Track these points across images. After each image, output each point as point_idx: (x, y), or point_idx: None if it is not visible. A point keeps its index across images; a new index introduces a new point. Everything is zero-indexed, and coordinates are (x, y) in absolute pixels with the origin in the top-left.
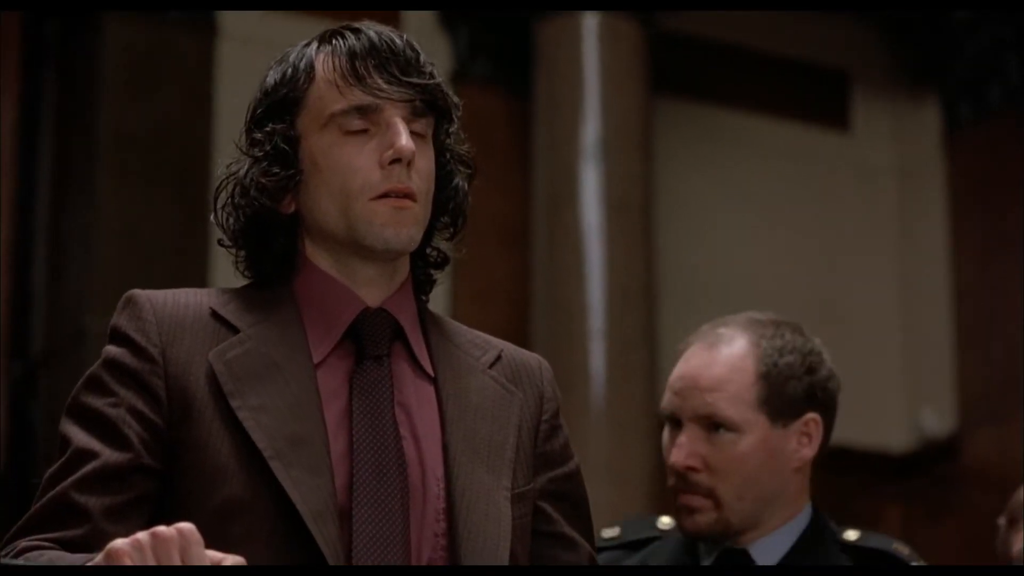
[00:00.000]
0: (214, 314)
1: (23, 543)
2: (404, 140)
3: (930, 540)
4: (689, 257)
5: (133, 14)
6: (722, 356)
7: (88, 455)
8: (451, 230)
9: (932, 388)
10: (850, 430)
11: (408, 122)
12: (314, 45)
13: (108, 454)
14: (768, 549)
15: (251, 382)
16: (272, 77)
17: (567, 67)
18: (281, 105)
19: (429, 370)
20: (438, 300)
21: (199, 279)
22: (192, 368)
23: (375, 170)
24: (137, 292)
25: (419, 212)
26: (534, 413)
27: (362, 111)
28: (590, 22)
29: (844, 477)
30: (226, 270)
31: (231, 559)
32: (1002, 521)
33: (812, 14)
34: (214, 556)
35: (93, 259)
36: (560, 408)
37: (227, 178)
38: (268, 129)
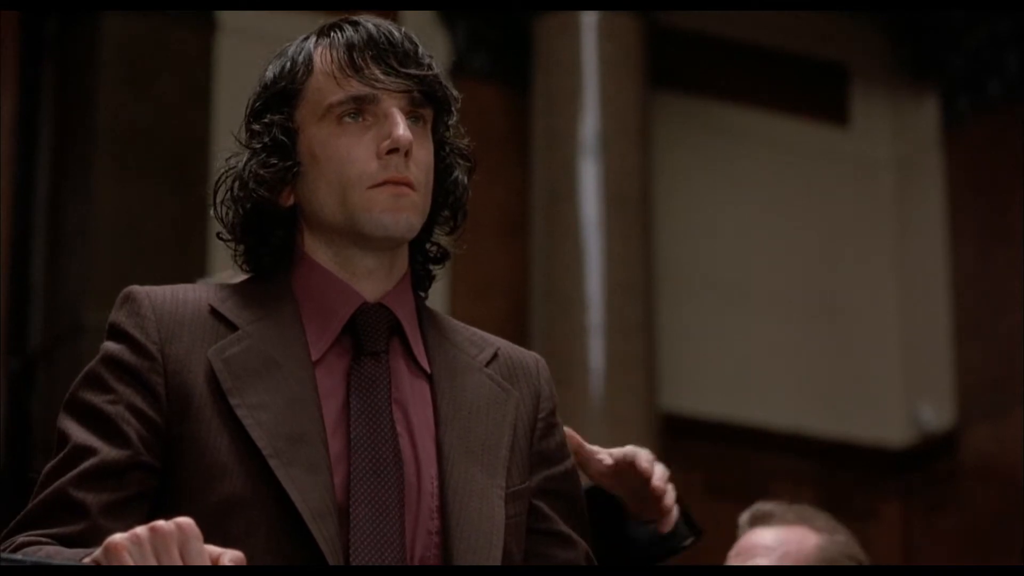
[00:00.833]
0: (213, 311)
1: (21, 538)
2: (402, 130)
3: (929, 534)
4: (688, 251)
5: (131, 10)
6: None
7: (86, 451)
8: (451, 224)
9: (930, 382)
10: (849, 425)
11: (406, 113)
12: (312, 39)
13: (106, 451)
14: None
15: (250, 380)
16: (271, 71)
17: (566, 61)
18: (279, 98)
19: (426, 367)
20: (436, 293)
21: (198, 273)
22: (191, 365)
23: (372, 160)
24: (136, 288)
25: (418, 200)
26: (530, 411)
27: (359, 101)
28: (589, 17)
29: (842, 472)
30: (225, 264)
31: (229, 554)
32: None
33: (811, 9)
34: (213, 551)
35: (91, 253)
36: (557, 407)
37: (226, 172)
38: (266, 121)
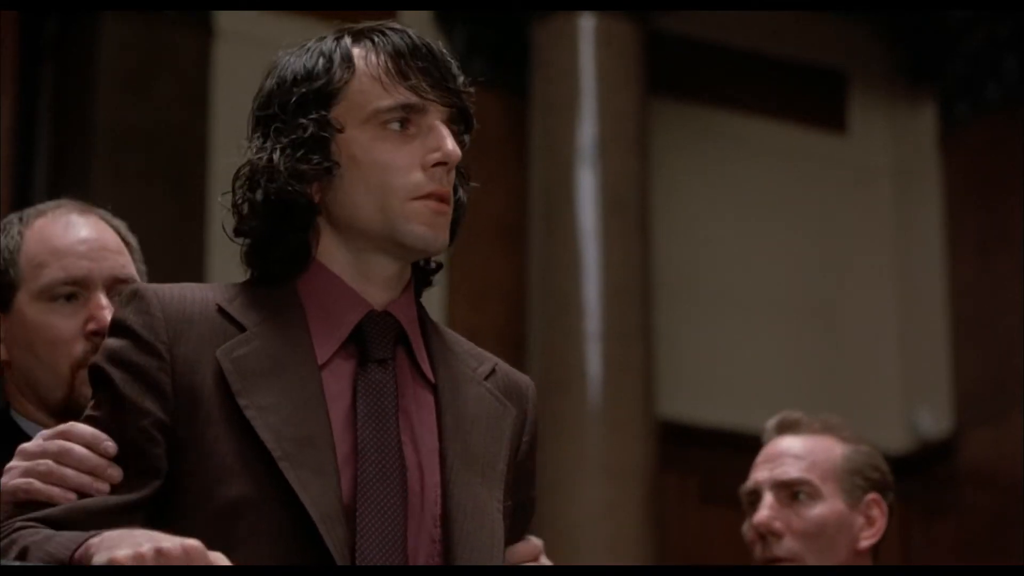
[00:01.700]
0: (220, 310)
1: (18, 522)
2: (451, 145)
3: (926, 540)
4: (685, 257)
5: (130, 12)
6: None
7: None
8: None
9: (928, 388)
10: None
11: (448, 127)
12: (347, 39)
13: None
14: None
15: (258, 381)
16: (300, 65)
17: (563, 67)
18: (317, 95)
19: (430, 376)
20: (434, 299)
21: (195, 277)
22: (199, 365)
23: (417, 171)
24: (143, 285)
25: (450, 216)
26: (519, 432)
27: (408, 110)
28: (587, 23)
29: None
30: (222, 268)
31: None
32: None
33: (808, 15)
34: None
35: None
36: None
37: (246, 165)
38: (303, 115)
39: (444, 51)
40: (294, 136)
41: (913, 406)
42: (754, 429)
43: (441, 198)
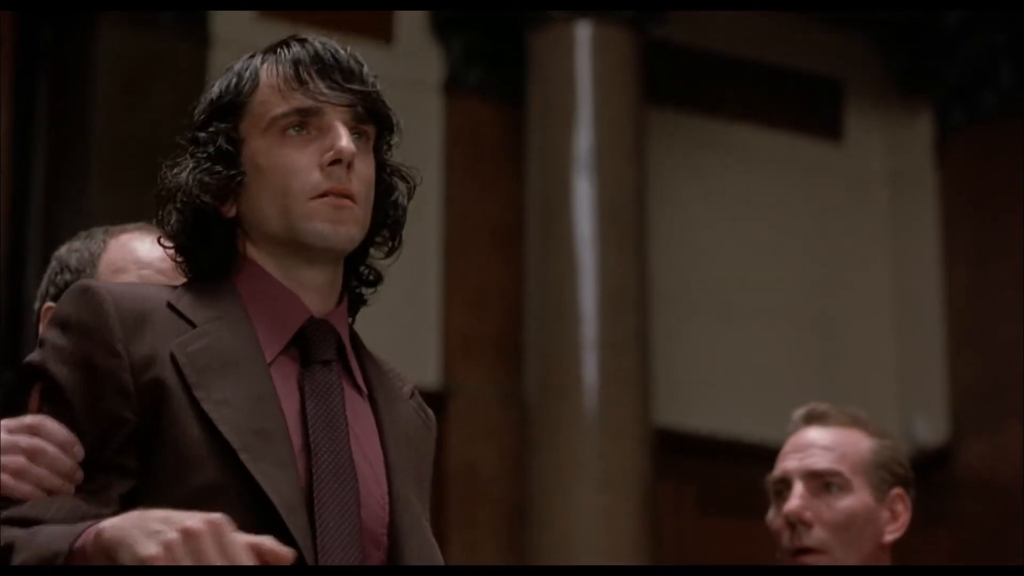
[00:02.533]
0: (171, 307)
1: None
2: (344, 141)
3: (922, 548)
4: (682, 265)
5: (126, 18)
6: None
7: None
8: (388, 246)
9: (925, 396)
10: None
11: (349, 128)
12: (259, 56)
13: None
14: None
15: (212, 375)
16: (217, 87)
17: (560, 76)
18: (225, 110)
19: (363, 388)
20: (431, 307)
21: None
22: (156, 361)
23: (315, 171)
24: (93, 283)
25: (359, 214)
26: (434, 455)
27: (303, 113)
28: (583, 31)
29: None
30: None
31: (266, 541)
32: None
33: (804, 24)
34: (249, 539)
35: None
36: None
37: (169, 180)
38: (211, 130)
39: (352, 56)
40: (203, 152)
41: (909, 414)
42: (750, 437)
43: (340, 194)
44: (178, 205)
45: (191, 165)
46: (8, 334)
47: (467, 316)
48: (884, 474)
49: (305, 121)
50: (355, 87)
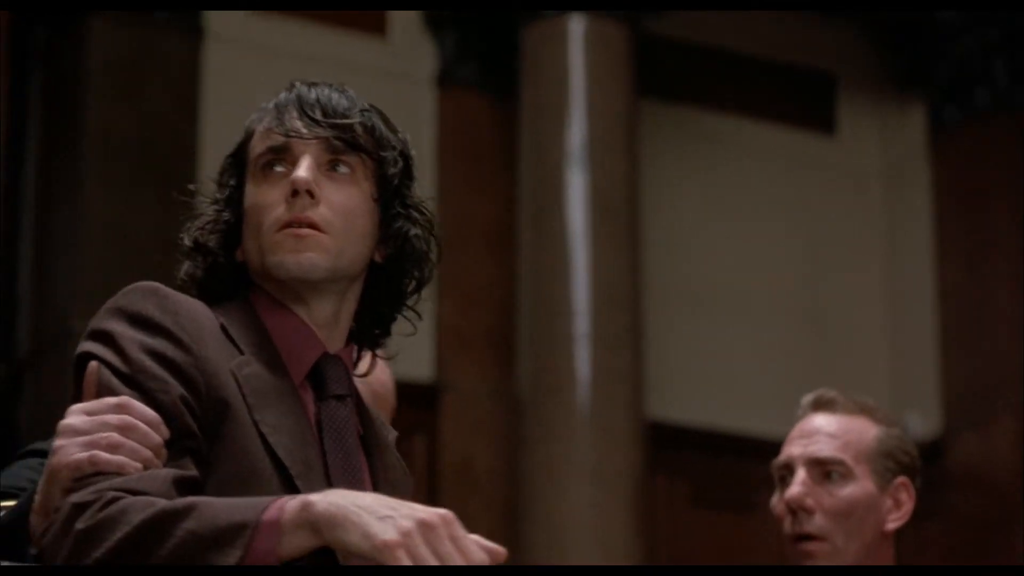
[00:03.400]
0: (223, 329)
1: (107, 492)
2: (302, 172)
3: (915, 543)
4: (675, 260)
5: (119, 16)
6: None
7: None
8: (415, 280)
9: (917, 391)
10: None
11: (327, 161)
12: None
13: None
14: None
15: (265, 402)
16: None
17: (553, 71)
18: (233, 164)
19: (361, 430)
20: (423, 303)
21: None
22: (220, 372)
23: (280, 205)
24: (157, 285)
25: (326, 241)
26: None
27: (276, 151)
28: (576, 26)
29: None
30: None
31: (492, 546)
32: None
33: (798, 18)
34: (477, 539)
35: (79, 261)
36: None
37: (191, 229)
38: (224, 177)
39: (343, 93)
40: (217, 205)
41: (901, 409)
42: (743, 432)
43: (299, 223)
44: (195, 249)
45: (208, 217)
46: (1, 330)
47: (460, 311)
48: (889, 462)
49: (278, 158)
50: (335, 121)
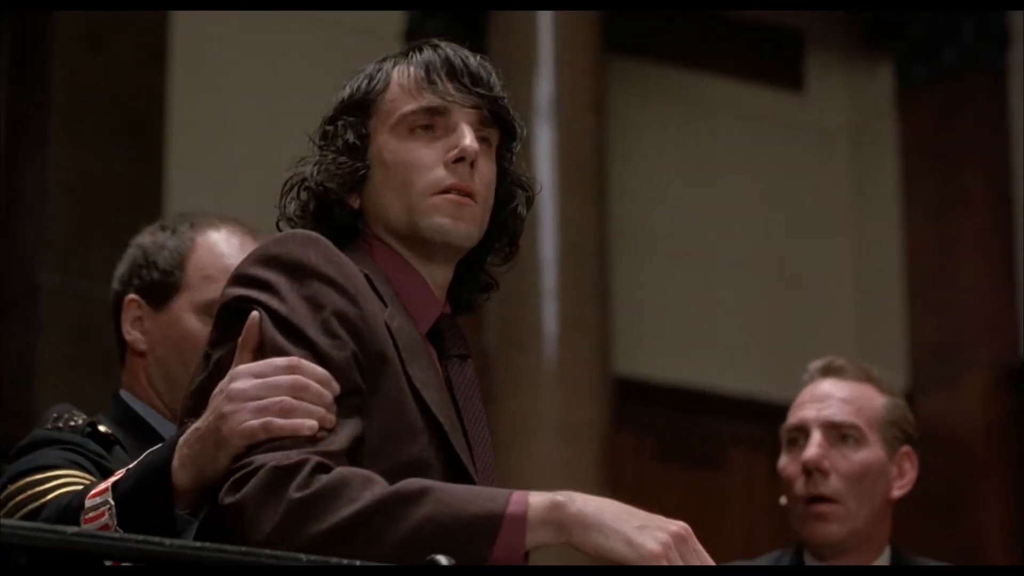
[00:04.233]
0: (368, 279)
1: (311, 457)
2: (469, 140)
3: None
4: (642, 216)
5: None
6: None
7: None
8: (505, 253)
9: (884, 348)
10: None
11: (474, 129)
12: (391, 59)
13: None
14: None
15: (412, 356)
16: (348, 89)
17: (520, 26)
18: (355, 107)
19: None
20: None
21: None
22: (378, 326)
23: (439, 168)
24: (315, 233)
25: (478, 212)
26: None
27: (431, 112)
28: None
29: None
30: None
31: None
32: None
33: None
34: (704, 555)
35: (46, 215)
36: None
37: (296, 172)
38: (341, 124)
39: (482, 63)
40: (332, 146)
41: (869, 366)
42: (710, 387)
43: (462, 191)
44: (302, 193)
45: (318, 157)
46: None
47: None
48: (896, 431)
49: (432, 120)
50: (482, 91)
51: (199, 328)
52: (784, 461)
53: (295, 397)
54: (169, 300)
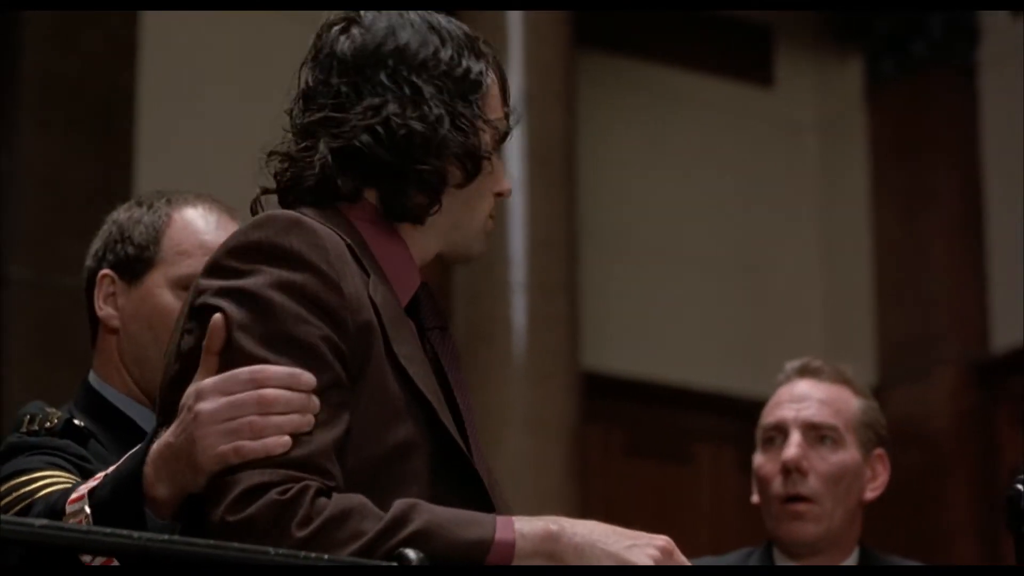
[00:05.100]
0: (350, 249)
1: (304, 480)
2: (510, 183)
3: None
4: (611, 210)
5: None
6: None
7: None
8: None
9: (852, 343)
10: (770, 385)
11: None
12: (476, 43)
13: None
14: None
15: (396, 329)
16: (450, 46)
17: (490, 19)
18: (471, 82)
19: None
20: None
21: None
22: (362, 302)
23: (492, 196)
24: (299, 216)
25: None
26: None
27: (503, 138)
28: None
29: None
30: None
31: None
32: None
33: None
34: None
35: (14, 206)
36: None
37: (384, 101)
38: (468, 99)
39: None
40: (465, 120)
41: (837, 361)
42: (678, 382)
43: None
44: (417, 139)
45: (443, 112)
46: None
47: None
48: (870, 433)
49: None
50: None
51: (172, 303)
52: (760, 460)
53: (263, 414)
54: (144, 275)
